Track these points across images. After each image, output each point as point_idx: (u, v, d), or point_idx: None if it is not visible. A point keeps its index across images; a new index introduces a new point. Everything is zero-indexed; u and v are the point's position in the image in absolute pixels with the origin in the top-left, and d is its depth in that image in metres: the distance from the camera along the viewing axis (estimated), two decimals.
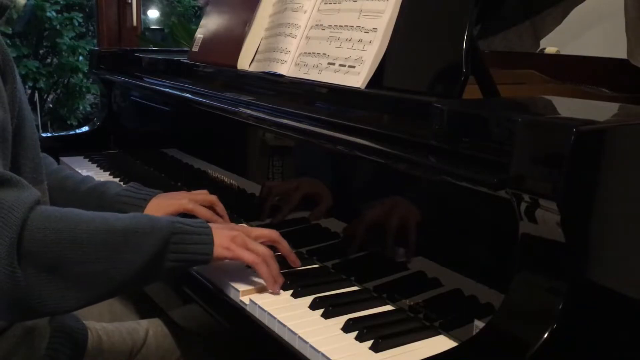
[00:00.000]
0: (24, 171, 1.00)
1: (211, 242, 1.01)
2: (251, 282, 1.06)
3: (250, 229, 1.10)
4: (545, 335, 0.72)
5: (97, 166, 1.86)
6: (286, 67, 1.31)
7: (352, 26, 1.19)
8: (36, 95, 4.76)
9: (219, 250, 1.01)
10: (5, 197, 0.85)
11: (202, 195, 1.32)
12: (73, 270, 0.88)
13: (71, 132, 2.16)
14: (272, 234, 1.10)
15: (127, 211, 1.24)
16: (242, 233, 1.06)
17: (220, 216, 1.31)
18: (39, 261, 0.86)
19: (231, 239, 1.03)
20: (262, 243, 1.07)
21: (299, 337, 0.90)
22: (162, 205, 1.28)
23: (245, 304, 1.02)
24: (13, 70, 0.97)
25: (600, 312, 0.79)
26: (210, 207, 1.31)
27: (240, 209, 1.39)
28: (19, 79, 0.99)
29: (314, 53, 1.26)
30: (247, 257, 1.03)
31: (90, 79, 4.63)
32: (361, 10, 1.19)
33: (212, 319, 1.10)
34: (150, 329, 1.23)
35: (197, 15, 5.42)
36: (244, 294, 1.03)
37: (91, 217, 0.92)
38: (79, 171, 1.79)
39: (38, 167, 1.04)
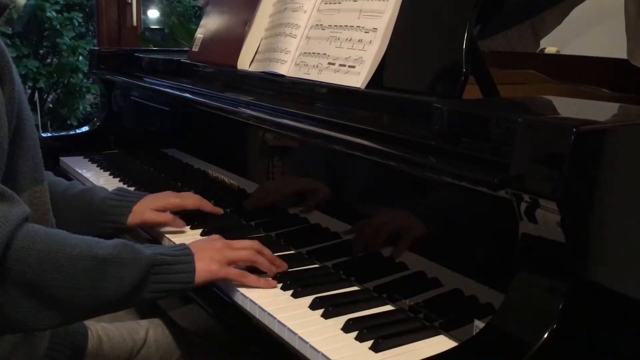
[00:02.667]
0: (23, 172, 1.00)
1: (192, 270, 1.01)
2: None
3: (231, 242, 1.09)
4: (545, 335, 0.72)
5: (97, 166, 1.85)
6: (286, 67, 1.31)
7: (352, 26, 1.19)
8: (36, 95, 4.76)
9: (201, 274, 1.02)
10: None
11: (188, 194, 1.37)
12: (51, 292, 0.89)
13: (71, 132, 2.15)
14: (254, 244, 1.09)
15: (114, 214, 1.28)
16: (224, 247, 1.06)
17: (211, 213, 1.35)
18: (19, 280, 0.86)
19: (214, 259, 1.03)
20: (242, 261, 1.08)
21: (299, 337, 0.90)
22: (149, 201, 1.30)
23: (245, 304, 1.02)
24: (11, 72, 0.96)
25: (600, 312, 0.79)
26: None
27: (240, 209, 1.39)
28: (18, 79, 0.98)
29: (314, 53, 1.26)
30: (231, 273, 1.04)
31: (90, 79, 4.62)
32: (361, 10, 1.19)
33: (212, 319, 1.10)
34: (150, 329, 1.24)
35: (197, 15, 5.41)
36: (244, 294, 1.03)
37: (76, 241, 0.93)
38: (79, 171, 1.80)
39: (38, 167, 1.04)
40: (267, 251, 1.10)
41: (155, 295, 0.99)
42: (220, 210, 1.38)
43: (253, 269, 1.08)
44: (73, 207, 1.28)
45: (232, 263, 1.06)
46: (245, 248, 1.08)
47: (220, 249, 1.06)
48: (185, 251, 1.03)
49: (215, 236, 1.13)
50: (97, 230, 1.27)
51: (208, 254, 1.04)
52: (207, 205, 1.36)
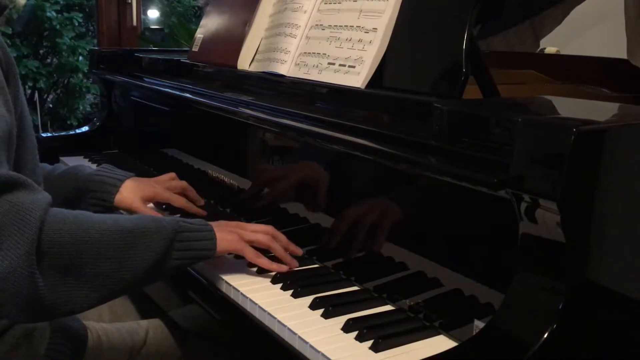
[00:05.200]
0: (25, 173, 1.01)
1: (213, 238, 1.04)
2: (252, 282, 1.06)
3: (245, 225, 1.12)
4: (545, 335, 0.72)
5: (97, 166, 1.85)
6: (286, 67, 1.31)
7: (352, 26, 1.19)
8: (36, 95, 4.76)
9: (222, 243, 1.05)
10: (21, 199, 0.86)
11: (175, 182, 1.40)
12: (86, 270, 0.90)
13: (71, 132, 2.16)
14: (269, 229, 1.12)
15: (100, 190, 1.29)
16: (239, 227, 1.10)
17: (193, 201, 1.38)
18: (55, 262, 0.87)
19: (232, 233, 1.07)
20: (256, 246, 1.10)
21: (299, 337, 0.90)
22: (139, 189, 1.32)
23: (246, 304, 1.02)
24: (15, 73, 0.98)
25: (600, 312, 0.79)
26: (183, 194, 1.38)
27: (240, 209, 1.39)
28: (19, 81, 0.99)
29: (314, 53, 1.26)
30: (248, 250, 1.07)
31: (90, 79, 4.63)
32: (361, 10, 1.19)
33: (212, 319, 1.10)
34: (150, 329, 1.24)
35: (197, 15, 5.42)
36: (244, 294, 1.03)
37: (102, 218, 0.95)
38: None
39: (36, 169, 1.05)
40: (281, 236, 1.13)
41: (180, 263, 1.01)
42: (201, 201, 1.41)
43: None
44: (59, 188, 1.29)
45: (248, 242, 1.09)
46: (262, 232, 1.11)
47: (236, 226, 1.10)
48: (203, 221, 1.07)
49: (229, 222, 1.15)
50: (85, 208, 1.28)
51: (225, 228, 1.08)
52: (192, 208, 1.37)
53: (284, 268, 1.08)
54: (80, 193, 1.29)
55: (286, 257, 1.11)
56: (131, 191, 1.30)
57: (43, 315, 0.95)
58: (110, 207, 1.31)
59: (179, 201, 1.36)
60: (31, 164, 1.03)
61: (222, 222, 1.11)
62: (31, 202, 0.86)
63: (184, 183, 1.40)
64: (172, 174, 1.43)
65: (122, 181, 1.31)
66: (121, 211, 1.32)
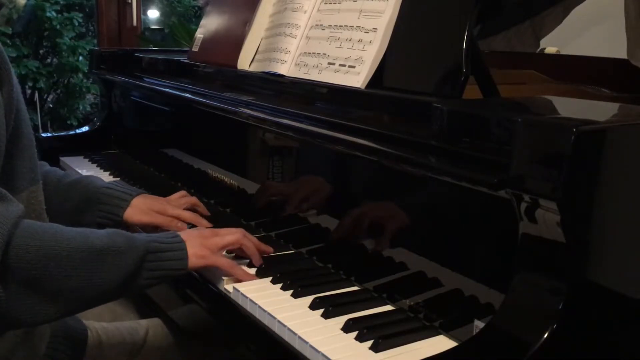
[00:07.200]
0: (20, 172, 1.00)
1: (185, 257, 1.04)
2: (252, 282, 1.06)
3: (218, 230, 1.12)
4: (545, 335, 0.72)
5: (97, 166, 1.86)
6: (286, 67, 1.31)
7: (352, 26, 1.19)
8: (36, 95, 4.76)
9: (193, 260, 1.04)
10: None
11: (185, 199, 1.37)
12: (51, 286, 0.90)
13: (71, 132, 2.16)
14: (238, 232, 1.13)
15: (110, 204, 1.28)
16: (212, 235, 1.09)
17: (202, 214, 1.36)
18: (19, 277, 0.87)
19: (204, 246, 1.06)
20: (228, 249, 1.12)
21: (299, 337, 0.90)
22: (149, 204, 1.30)
23: (246, 304, 1.02)
24: (9, 72, 0.96)
25: (600, 312, 0.79)
26: (192, 209, 1.36)
27: (240, 209, 1.39)
28: (15, 80, 0.98)
29: (314, 53, 1.26)
30: (222, 261, 1.07)
31: (90, 79, 4.63)
32: (361, 10, 1.19)
33: (211, 318, 1.10)
34: (150, 329, 1.24)
35: (197, 15, 5.42)
36: (244, 294, 1.03)
37: (72, 234, 0.94)
38: (79, 171, 1.79)
39: (34, 167, 1.04)
40: (252, 237, 1.14)
41: (149, 282, 1.01)
42: (207, 213, 1.38)
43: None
44: (69, 196, 1.28)
45: (221, 249, 1.09)
46: (231, 233, 1.12)
47: (209, 236, 1.09)
48: (176, 238, 1.05)
49: (202, 228, 1.15)
50: (91, 219, 1.27)
51: (198, 241, 1.07)
52: (202, 222, 1.33)
53: (251, 276, 1.08)
54: (89, 204, 1.28)
55: (255, 254, 1.12)
56: (141, 206, 1.29)
57: (7, 326, 0.94)
58: (119, 222, 1.29)
59: (188, 217, 1.32)
60: (28, 162, 1.02)
61: (195, 233, 1.09)
62: (0, 214, 0.86)
63: (193, 199, 1.38)
64: (183, 192, 1.41)
65: (132, 196, 1.30)
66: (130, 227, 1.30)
